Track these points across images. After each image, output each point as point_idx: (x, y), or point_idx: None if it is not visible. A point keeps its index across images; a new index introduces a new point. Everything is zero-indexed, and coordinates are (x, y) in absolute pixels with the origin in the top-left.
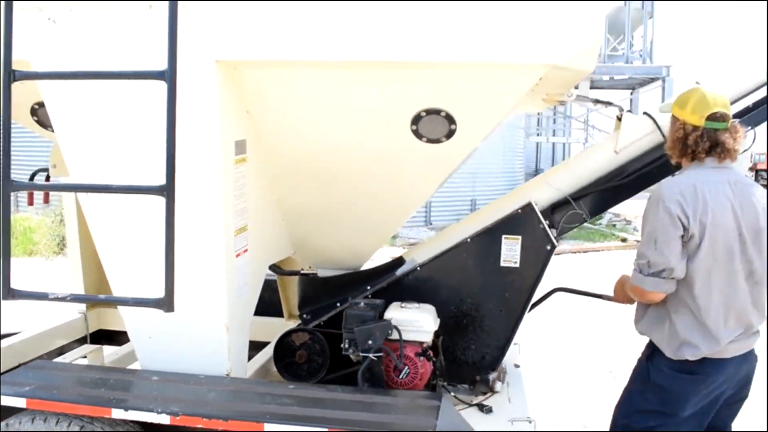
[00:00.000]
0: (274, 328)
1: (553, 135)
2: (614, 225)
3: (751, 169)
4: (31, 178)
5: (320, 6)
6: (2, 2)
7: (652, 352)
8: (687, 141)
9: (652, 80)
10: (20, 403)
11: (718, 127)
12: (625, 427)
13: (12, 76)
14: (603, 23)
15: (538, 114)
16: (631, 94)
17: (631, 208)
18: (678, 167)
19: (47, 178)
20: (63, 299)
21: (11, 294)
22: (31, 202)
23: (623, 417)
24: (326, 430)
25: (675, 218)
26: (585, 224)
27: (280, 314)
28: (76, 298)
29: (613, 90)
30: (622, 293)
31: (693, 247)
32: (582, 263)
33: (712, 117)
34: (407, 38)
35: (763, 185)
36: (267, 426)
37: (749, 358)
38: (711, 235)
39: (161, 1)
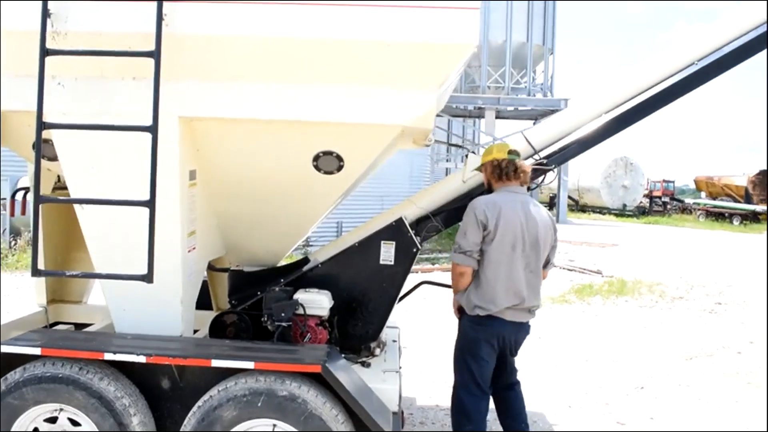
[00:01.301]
0: (204, 319)
1: (447, 161)
2: None
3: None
4: (13, 194)
5: (244, 83)
6: (38, 76)
7: (462, 313)
8: (500, 167)
9: (552, 112)
10: (36, 351)
11: (514, 158)
12: (455, 361)
13: (42, 125)
14: (435, 98)
15: (447, 142)
16: (534, 123)
17: None
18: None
19: (25, 193)
20: (75, 275)
21: (38, 273)
22: (12, 213)
23: (455, 356)
24: (253, 364)
25: (479, 221)
26: None
27: (209, 308)
28: (85, 275)
29: (518, 120)
30: (454, 282)
31: (489, 240)
32: None
33: (510, 152)
34: (305, 105)
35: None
36: (214, 362)
37: (524, 327)
38: (501, 234)
39: (143, 80)
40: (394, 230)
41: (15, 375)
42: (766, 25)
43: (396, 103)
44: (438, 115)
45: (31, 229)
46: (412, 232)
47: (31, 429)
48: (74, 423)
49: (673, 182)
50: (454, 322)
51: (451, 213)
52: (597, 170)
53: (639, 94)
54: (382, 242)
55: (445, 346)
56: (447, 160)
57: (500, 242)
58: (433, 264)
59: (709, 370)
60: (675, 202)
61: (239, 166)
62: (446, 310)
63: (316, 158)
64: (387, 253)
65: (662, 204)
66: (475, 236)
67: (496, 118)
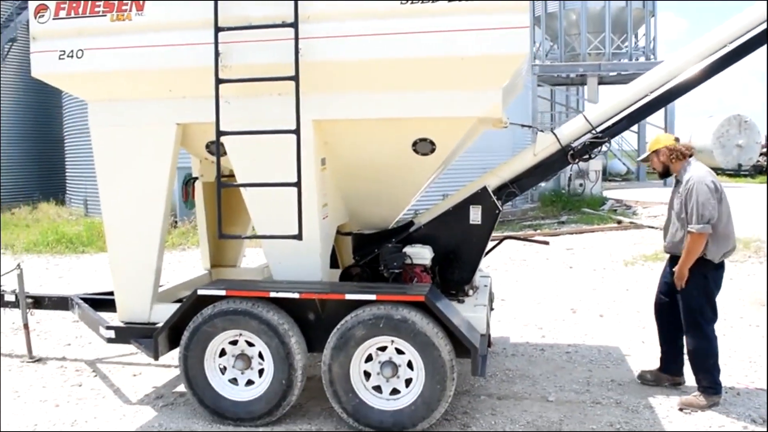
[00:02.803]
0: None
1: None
2: (615, 210)
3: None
4: (185, 182)
5: (359, 93)
6: (214, 98)
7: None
8: (679, 148)
9: None
10: (222, 293)
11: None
12: (703, 323)
13: (220, 133)
14: (499, 95)
15: (551, 111)
16: None
17: (633, 195)
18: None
19: (193, 182)
20: (248, 237)
21: (222, 236)
22: (185, 198)
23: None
24: (375, 296)
25: (712, 189)
26: (587, 210)
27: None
28: (254, 237)
29: (621, 84)
30: (695, 250)
31: (719, 200)
32: (575, 241)
33: (675, 138)
34: (405, 105)
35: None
36: (347, 296)
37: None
38: (723, 198)
39: (287, 96)
40: (480, 196)
41: (208, 310)
42: None
43: (470, 101)
44: (539, 85)
45: (217, 206)
46: (494, 197)
47: (220, 349)
48: (249, 344)
49: None
50: (538, 278)
51: (526, 180)
52: (708, 130)
53: (675, 76)
54: (471, 206)
55: (533, 298)
56: (552, 129)
57: (725, 201)
58: (535, 230)
59: None
60: None
61: (357, 153)
62: (533, 270)
63: (414, 144)
64: (475, 214)
65: None
66: (714, 205)
67: (599, 84)
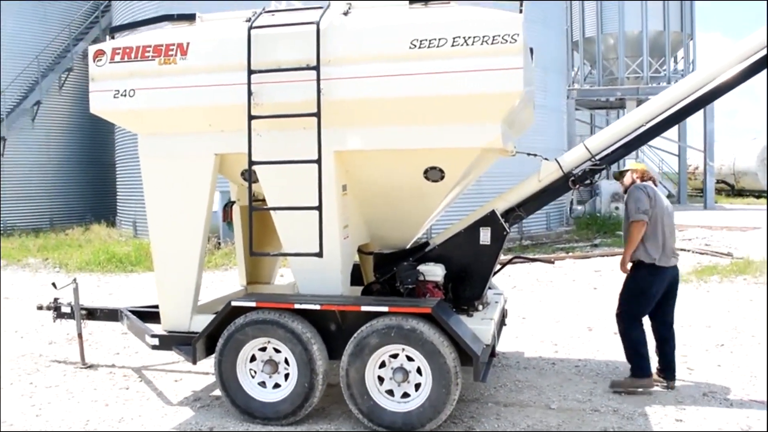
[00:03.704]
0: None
1: None
2: None
3: None
4: (225, 205)
5: (375, 127)
6: (247, 132)
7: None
8: (643, 173)
9: None
10: (253, 304)
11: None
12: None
13: (251, 163)
14: (499, 128)
15: (591, 135)
16: None
17: None
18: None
19: (231, 205)
20: (276, 255)
21: (253, 254)
22: (225, 219)
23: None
24: (387, 308)
25: (646, 192)
26: (619, 232)
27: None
28: (281, 254)
29: None
30: (634, 238)
31: (652, 207)
32: (605, 263)
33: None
34: (416, 138)
35: None
36: (363, 307)
37: (676, 270)
38: (658, 205)
39: (310, 130)
40: (489, 219)
41: (240, 320)
42: None
43: (473, 133)
44: (577, 109)
45: (248, 226)
46: (502, 220)
47: (250, 355)
48: (276, 351)
49: None
50: (561, 298)
51: (531, 204)
52: (752, 152)
53: (667, 109)
54: (481, 228)
55: (553, 317)
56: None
57: (658, 210)
58: (567, 252)
59: None
60: None
61: (374, 180)
62: (558, 290)
63: (426, 171)
64: (485, 236)
65: None
66: (647, 202)
67: (637, 107)
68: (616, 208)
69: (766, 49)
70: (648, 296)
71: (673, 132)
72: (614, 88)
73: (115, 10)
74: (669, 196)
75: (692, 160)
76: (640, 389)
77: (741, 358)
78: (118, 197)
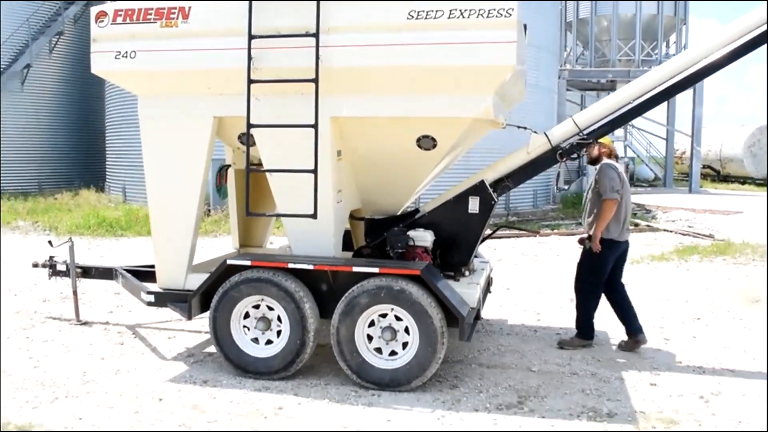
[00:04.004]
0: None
1: None
2: (635, 214)
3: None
4: (220, 169)
5: (371, 95)
6: (246, 96)
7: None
8: (609, 147)
9: None
10: (248, 263)
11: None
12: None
13: (250, 125)
14: (490, 100)
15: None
16: None
17: (656, 200)
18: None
19: (226, 169)
20: (272, 215)
21: (249, 214)
22: (219, 183)
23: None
24: (378, 269)
25: (618, 172)
26: None
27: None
28: (277, 215)
29: None
30: (608, 215)
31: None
32: None
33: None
34: (410, 106)
35: None
36: (354, 268)
37: (628, 243)
38: (624, 185)
39: (308, 95)
40: (478, 189)
41: (235, 278)
42: None
43: (465, 104)
44: (568, 89)
45: (246, 188)
46: (490, 190)
47: (244, 312)
48: (270, 308)
49: None
50: (545, 272)
51: (519, 175)
52: (740, 139)
53: (653, 88)
54: (470, 197)
55: (536, 288)
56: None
57: (626, 189)
58: (552, 229)
59: None
60: None
61: (368, 147)
62: (542, 264)
63: (418, 140)
64: (473, 205)
65: None
66: (618, 182)
67: None
68: None
69: (754, 32)
70: (605, 270)
71: (661, 116)
72: (605, 69)
73: None
74: (655, 179)
75: (680, 144)
76: (582, 348)
77: (716, 331)
78: (107, 163)
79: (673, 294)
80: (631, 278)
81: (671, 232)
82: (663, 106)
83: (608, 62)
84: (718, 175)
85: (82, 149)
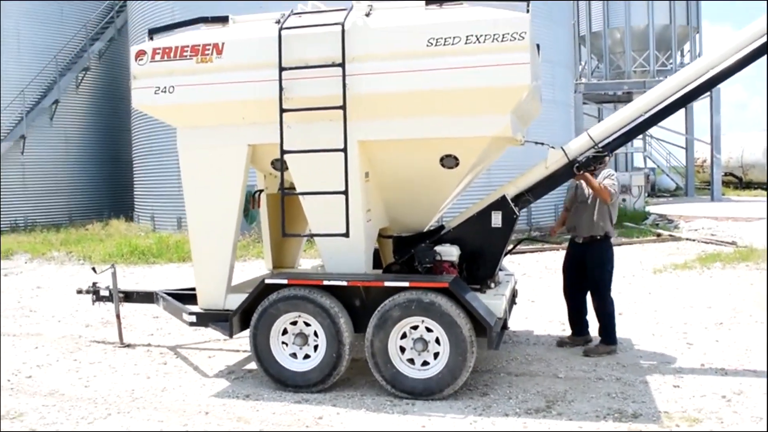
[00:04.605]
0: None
1: None
2: (657, 224)
3: None
4: (252, 194)
5: (396, 118)
6: (279, 124)
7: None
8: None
9: None
10: (285, 281)
11: None
12: (604, 287)
13: (283, 152)
14: (508, 119)
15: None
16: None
17: (678, 210)
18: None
19: (259, 194)
20: (306, 236)
21: (285, 235)
22: (252, 207)
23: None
24: (408, 284)
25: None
26: (628, 224)
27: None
28: (311, 235)
29: None
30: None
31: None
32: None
33: None
34: (433, 128)
35: None
36: (386, 283)
37: None
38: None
39: (336, 121)
40: (500, 203)
41: (273, 296)
42: None
43: (483, 123)
44: (585, 103)
45: (281, 210)
46: (512, 204)
47: (282, 329)
48: (307, 324)
49: None
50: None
51: (538, 190)
52: (760, 145)
53: (665, 99)
54: (493, 212)
55: (561, 300)
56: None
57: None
58: None
59: None
60: None
61: (395, 167)
62: (559, 279)
63: (441, 159)
64: (496, 219)
65: None
66: (618, 190)
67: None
68: (623, 200)
69: (765, 37)
70: (612, 266)
71: (679, 125)
72: (621, 81)
73: (130, 10)
74: (677, 189)
75: (700, 152)
76: (607, 354)
77: (738, 335)
78: (135, 192)
79: (696, 301)
80: (654, 287)
81: (694, 240)
82: (681, 115)
83: (623, 74)
84: (740, 182)
85: (110, 180)
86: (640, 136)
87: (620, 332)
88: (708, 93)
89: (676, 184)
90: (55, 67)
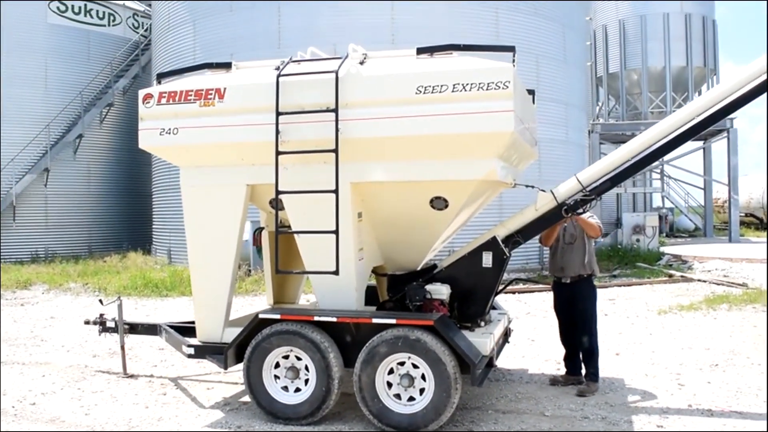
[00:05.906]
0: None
1: (633, 186)
2: (670, 265)
3: None
4: (255, 231)
5: (386, 161)
6: (274, 166)
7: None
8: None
9: (720, 131)
10: (277, 316)
11: None
12: (594, 327)
13: (278, 192)
14: (494, 163)
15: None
16: (704, 143)
17: (693, 250)
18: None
19: (261, 231)
20: (299, 273)
21: (279, 271)
22: (254, 244)
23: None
24: (395, 320)
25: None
26: (641, 264)
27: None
28: (303, 272)
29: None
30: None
31: None
32: (621, 292)
33: None
34: (422, 171)
35: None
36: (374, 320)
37: None
38: None
39: (329, 164)
40: (491, 244)
41: (266, 330)
42: None
43: (471, 167)
44: (602, 143)
45: (275, 247)
46: (502, 245)
47: (275, 362)
48: (298, 358)
49: None
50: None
51: (528, 231)
52: None
53: (653, 144)
54: (484, 252)
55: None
56: (633, 185)
57: None
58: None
59: None
60: None
61: (386, 208)
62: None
63: (431, 201)
64: (487, 259)
65: None
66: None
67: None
68: (637, 240)
69: (765, 74)
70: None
71: (698, 165)
72: (638, 122)
73: (154, 48)
74: (696, 229)
75: (720, 193)
76: (596, 391)
77: (731, 377)
78: (153, 226)
79: (695, 342)
80: (656, 328)
81: (705, 281)
82: (699, 156)
83: (640, 115)
84: (761, 223)
85: (130, 213)
86: (658, 177)
87: (614, 372)
88: (725, 134)
89: (695, 225)
90: (80, 103)
